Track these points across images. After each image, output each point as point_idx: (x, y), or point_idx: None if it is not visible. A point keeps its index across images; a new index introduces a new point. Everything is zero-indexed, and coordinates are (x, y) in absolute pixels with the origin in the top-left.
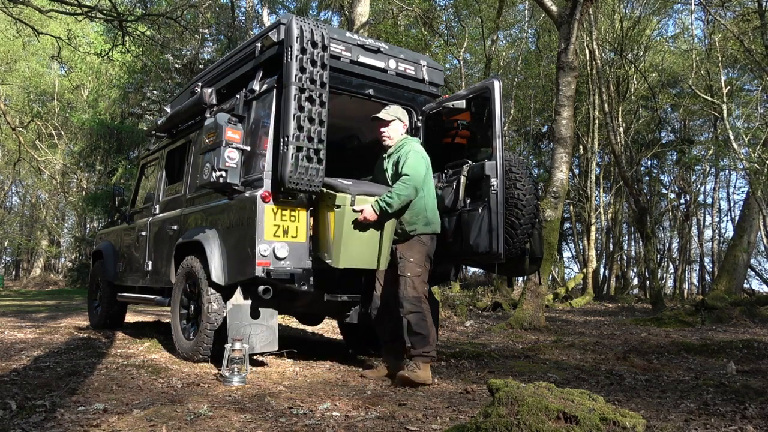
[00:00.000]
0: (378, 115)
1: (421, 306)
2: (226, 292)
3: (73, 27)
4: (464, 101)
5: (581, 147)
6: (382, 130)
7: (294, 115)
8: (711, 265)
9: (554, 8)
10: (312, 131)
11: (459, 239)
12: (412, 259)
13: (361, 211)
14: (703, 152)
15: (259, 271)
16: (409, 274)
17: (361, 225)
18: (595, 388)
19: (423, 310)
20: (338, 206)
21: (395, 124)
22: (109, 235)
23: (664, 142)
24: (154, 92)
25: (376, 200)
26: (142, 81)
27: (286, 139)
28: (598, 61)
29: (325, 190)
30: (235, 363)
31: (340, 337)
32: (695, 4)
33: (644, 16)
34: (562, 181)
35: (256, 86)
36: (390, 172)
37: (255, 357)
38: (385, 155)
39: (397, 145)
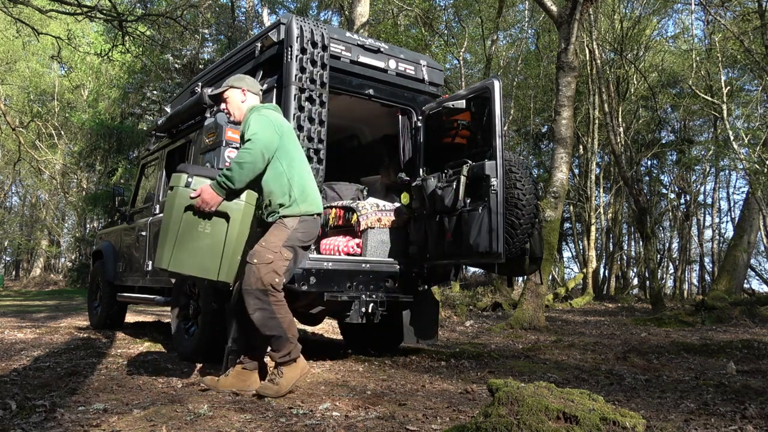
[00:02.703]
0: (209, 93)
1: (268, 300)
2: (226, 292)
3: (73, 27)
4: (464, 101)
5: (581, 147)
6: (222, 106)
7: (294, 115)
8: (711, 265)
9: (554, 8)
10: (312, 131)
11: (459, 239)
12: (264, 243)
13: (199, 195)
14: (703, 152)
15: None
16: (255, 260)
17: (203, 215)
18: (595, 388)
19: (271, 304)
20: (171, 188)
21: (231, 94)
22: (109, 235)
23: (664, 142)
24: (154, 92)
25: (216, 176)
26: (142, 81)
27: None
28: (598, 61)
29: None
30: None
31: (340, 337)
32: (695, 4)
33: (644, 16)
34: (562, 181)
35: None
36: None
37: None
38: None
39: (246, 117)
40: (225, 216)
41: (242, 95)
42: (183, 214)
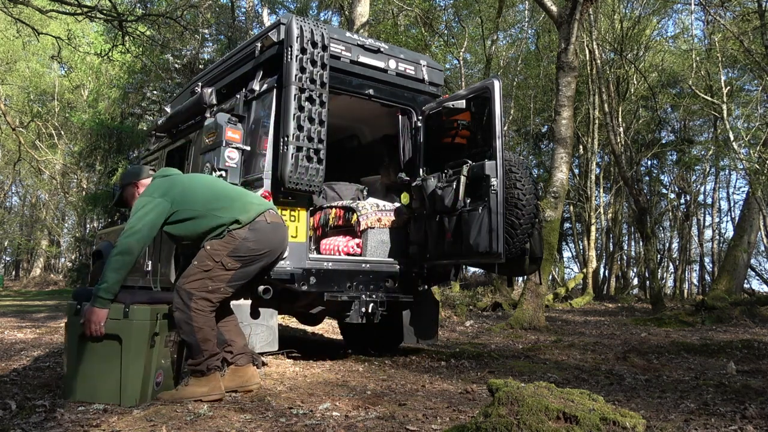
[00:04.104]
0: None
1: (189, 304)
2: None
3: (73, 27)
4: (464, 101)
5: (581, 147)
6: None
7: (294, 115)
8: (711, 265)
9: (554, 8)
10: (312, 131)
11: (459, 239)
12: (208, 248)
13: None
14: (703, 152)
15: None
16: (195, 262)
17: (95, 339)
18: (595, 388)
19: (190, 309)
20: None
21: (126, 192)
22: (109, 235)
23: (664, 142)
24: (154, 92)
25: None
26: (142, 81)
27: (286, 139)
28: (598, 61)
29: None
30: None
31: (340, 337)
32: (695, 4)
33: (644, 16)
34: (562, 181)
35: (256, 86)
36: None
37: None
38: None
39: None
40: (117, 338)
41: (135, 189)
42: (77, 342)
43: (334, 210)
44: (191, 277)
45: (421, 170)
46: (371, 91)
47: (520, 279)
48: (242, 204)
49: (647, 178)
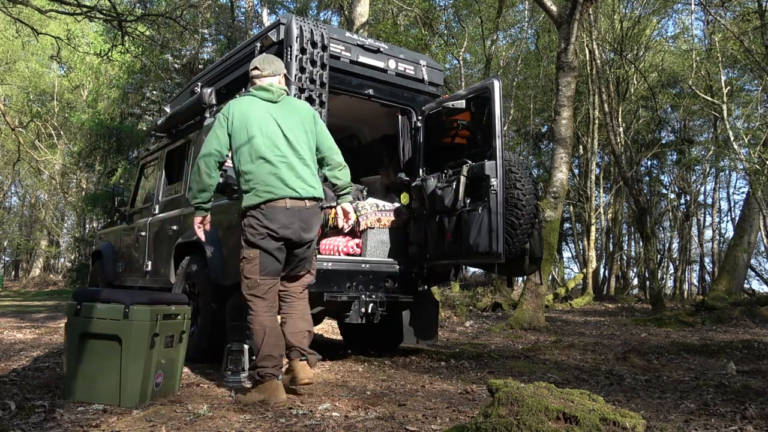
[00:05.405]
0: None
1: (248, 310)
2: (226, 292)
3: (72, 27)
4: (464, 101)
5: (581, 147)
6: None
7: None
8: (711, 265)
9: (554, 8)
10: None
11: (459, 239)
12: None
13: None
14: (703, 152)
15: None
16: (241, 265)
17: (98, 338)
18: (595, 388)
19: (248, 314)
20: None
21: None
22: (109, 235)
23: (664, 142)
24: (154, 92)
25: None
26: (141, 81)
27: None
28: (598, 61)
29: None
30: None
31: (340, 337)
32: (695, 4)
33: (644, 16)
34: (562, 181)
35: None
36: None
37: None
38: None
39: None
40: (117, 339)
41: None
42: (77, 342)
43: (333, 210)
44: (243, 281)
45: (420, 170)
46: (371, 91)
47: (520, 279)
48: (260, 184)
49: (647, 178)
